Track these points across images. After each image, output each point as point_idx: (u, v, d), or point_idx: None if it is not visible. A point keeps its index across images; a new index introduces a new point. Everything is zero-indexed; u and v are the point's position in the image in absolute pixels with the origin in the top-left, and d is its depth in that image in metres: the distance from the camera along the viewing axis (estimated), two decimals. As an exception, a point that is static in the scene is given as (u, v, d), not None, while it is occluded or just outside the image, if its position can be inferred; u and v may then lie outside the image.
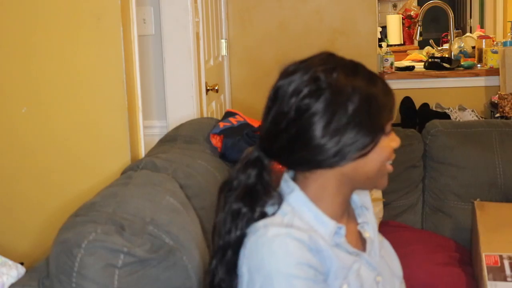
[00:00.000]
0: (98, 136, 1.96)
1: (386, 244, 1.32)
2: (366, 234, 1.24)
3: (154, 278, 1.29)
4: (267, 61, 3.73)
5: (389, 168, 1.18)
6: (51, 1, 1.91)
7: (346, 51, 4.17)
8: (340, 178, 1.14)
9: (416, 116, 3.82)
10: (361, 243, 1.23)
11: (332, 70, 1.11)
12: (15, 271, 1.47)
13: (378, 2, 4.06)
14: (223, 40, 3.70)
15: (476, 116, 3.74)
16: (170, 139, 2.05)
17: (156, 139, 2.16)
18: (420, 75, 3.99)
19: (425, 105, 3.86)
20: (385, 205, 2.16)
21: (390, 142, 1.16)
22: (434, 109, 3.86)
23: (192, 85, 2.65)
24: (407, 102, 3.92)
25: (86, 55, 1.93)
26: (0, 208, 1.99)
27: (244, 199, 1.15)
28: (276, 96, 1.14)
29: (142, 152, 2.07)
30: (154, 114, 2.66)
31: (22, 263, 1.55)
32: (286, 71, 1.16)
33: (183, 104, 2.63)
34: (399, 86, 3.97)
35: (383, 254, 1.27)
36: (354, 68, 1.13)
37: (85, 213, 1.37)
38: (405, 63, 4.44)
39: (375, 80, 1.13)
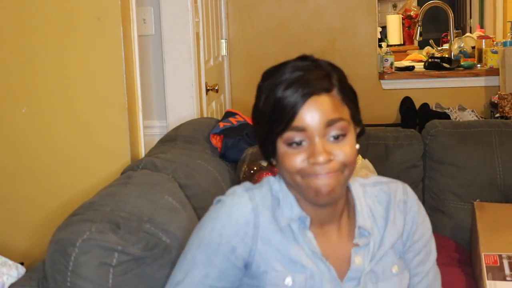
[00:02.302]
0: (98, 136, 1.96)
1: (392, 284, 1.20)
2: (356, 260, 1.17)
3: (149, 276, 1.30)
4: (267, 61, 3.70)
5: (309, 183, 1.09)
6: (51, 2, 1.91)
7: (346, 51, 4.20)
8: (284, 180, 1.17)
9: (416, 116, 3.82)
10: (347, 264, 1.17)
11: (269, 72, 1.17)
12: (15, 271, 1.47)
13: (378, 2, 4.06)
14: (223, 40, 3.70)
15: (476, 116, 3.74)
16: (170, 139, 2.05)
17: (156, 139, 2.17)
18: (420, 75, 3.99)
19: (425, 105, 3.86)
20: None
21: (296, 152, 1.09)
22: (434, 109, 3.86)
23: (192, 85, 2.65)
24: (407, 102, 3.92)
25: (86, 55, 1.93)
26: (0, 208, 1.99)
27: None
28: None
29: (142, 152, 2.07)
30: (154, 114, 2.66)
31: (22, 263, 1.55)
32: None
33: (183, 104, 2.63)
34: (399, 86, 3.97)
35: (377, 286, 1.18)
36: (275, 70, 1.15)
37: (82, 212, 1.38)
38: (405, 63, 4.44)
39: (285, 87, 1.10)
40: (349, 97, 1.16)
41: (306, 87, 1.09)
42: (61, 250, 1.27)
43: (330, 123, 1.08)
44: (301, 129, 1.08)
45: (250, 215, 1.13)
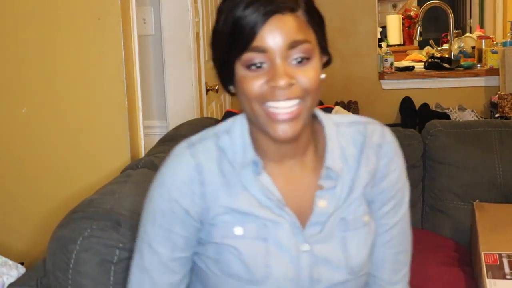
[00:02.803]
0: (98, 136, 1.96)
1: (363, 231, 1.12)
2: (320, 204, 1.08)
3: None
4: (267, 61, 3.72)
5: (270, 110, 1.00)
6: (51, 2, 1.91)
7: (346, 51, 4.20)
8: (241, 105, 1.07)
9: (416, 116, 3.83)
10: (309, 210, 1.09)
11: None
12: (15, 271, 1.47)
13: (378, 2, 4.06)
14: (223, 40, 3.70)
15: (476, 116, 3.74)
16: (170, 139, 2.05)
17: (156, 139, 2.17)
18: (420, 75, 3.99)
19: (425, 105, 3.86)
20: (385, 205, 2.16)
21: (255, 76, 1.00)
22: (434, 109, 3.87)
23: (192, 85, 2.65)
24: (407, 102, 3.92)
25: (86, 55, 1.93)
26: (1, 207, 2.00)
27: None
28: None
29: (142, 152, 2.07)
30: (154, 114, 2.66)
31: (22, 263, 1.56)
32: None
33: (183, 104, 2.63)
34: (399, 86, 3.98)
35: (346, 236, 1.09)
36: None
37: (82, 209, 1.38)
38: (405, 63, 4.44)
39: (246, 6, 1.00)
40: (316, 20, 1.07)
41: (268, 4, 0.99)
42: (62, 247, 1.27)
43: (293, 45, 0.99)
44: (262, 50, 0.99)
45: (194, 172, 1.06)
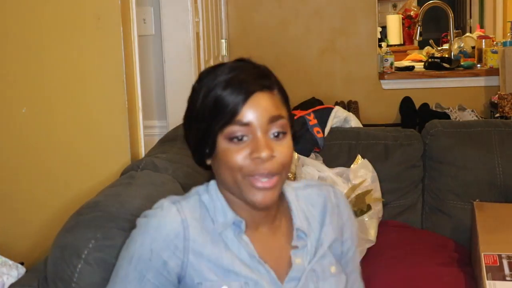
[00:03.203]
0: (98, 136, 1.96)
1: (331, 283, 1.21)
2: (297, 261, 1.17)
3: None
4: (267, 61, 3.71)
5: (253, 182, 1.09)
6: (51, 1, 1.91)
7: (346, 51, 4.20)
8: (216, 174, 1.15)
9: (416, 116, 3.83)
10: (287, 265, 1.17)
11: (204, 70, 1.18)
12: (15, 271, 1.47)
13: (378, 2, 4.06)
14: (223, 40, 3.70)
15: (476, 116, 3.74)
16: (170, 139, 2.05)
17: (156, 139, 2.17)
18: (420, 75, 3.99)
19: (425, 105, 3.86)
20: (385, 205, 2.16)
21: (237, 149, 1.08)
22: (434, 109, 3.86)
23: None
24: (407, 102, 3.92)
25: (86, 55, 1.93)
26: (0, 208, 1.99)
27: None
28: None
29: (142, 152, 2.07)
30: (154, 114, 2.66)
31: (22, 263, 1.56)
32: None
33: (183, 104, 2.62)
34: (399, 86, 3.98)
35: (317, 286, 1.18)
36: (217, 69, 1.16)
37: (88, 212, 1.37)
38: (405, 63, 4.44)
39: (226, 85, 1.11)
40: (286, 100, 1.17)
41: (249, 84, 1.10)
42: (66, 258, 1.27)
43: (272, 120, 1.09)
44: (245, 124, 1.08)
45: (179, 227, 1.11)
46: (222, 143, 1.09)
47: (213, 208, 1.15)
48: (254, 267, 1.13)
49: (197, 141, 1.14)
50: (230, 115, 1.08)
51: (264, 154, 1.07)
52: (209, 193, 1.17)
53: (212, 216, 1.14)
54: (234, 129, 1.08)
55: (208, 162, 1.15)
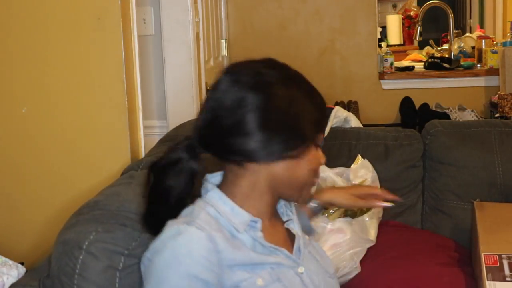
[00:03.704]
0: (98, 136, 1.96)
1: (316, 244, 1.37)
2: (294, 231, 1.28)
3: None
4: (267, 61, 3.72)
5: (316, 181, 1.24)
6: (51, 1, 1.91)
7: (346, 51, 4.19)
8: (270, 178, 1.18)
9: (416, 116, 3.83)
10: (289, 241, 1.27)
11: (275, 67, 1.19)
12: (15, 271, 1.47)
13: (378, 2, 4.06)
14: (223, 40, 3.70)
15: (476, 116, 3.74)
16: (170, 139, 2.05)
17: (156, 139, 2.17)
18: (420, 75, 3.99)
19: (425, 105, 3.86)
20: (385, 205, 2.16)
21: (318, 155, 1.22)
22: (434, 109, 3.86)
23: (192, 85, 2.65)
24: (407, 102, 3.92)
25: (86, 55, 1.93)
26: (0, 208, 1.99)
27: (177, 177, 1.19)
28: (217, 86, 1.17)
29: (142, 152, 2.07)
30: (154, 114, 2.66)
31: (22, 263, 1.56)
32: (231, 67, 1.20)
33: (183, 104, 2.63)
34: (399, 86, 3.98)
35: (311, 250, 1.31)
36: (298, 76, 1.21)
37: (88, 211, 1.38)
38: (405, 63, 4.44)
39: (315, 94, 1.20)
40: None
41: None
42: (68, 252, 1.27)
43: None
44: (323, 138, 1.22)
45: (209, 244, 1.11)
46: (312, 148, 1.19)
47: (223, 214, 1.17)
48: (271, 253, 1.20)
49: (290, 147, 1.16)
50: (324, 123, 1.23)
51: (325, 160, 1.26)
52: (210, 204, 1.18)
53: (225, 223, 1.17)
54: (321, 136, 1.22)
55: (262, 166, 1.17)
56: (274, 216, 1.27)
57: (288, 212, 1.32)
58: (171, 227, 1.12)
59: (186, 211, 1.18)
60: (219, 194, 1.19)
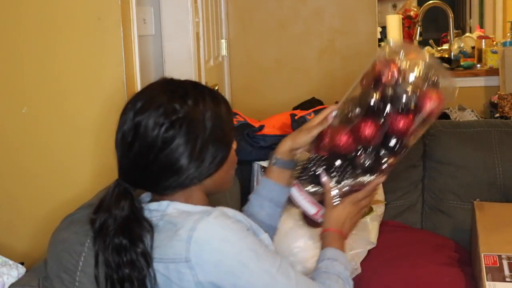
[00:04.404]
0: (98, 136, 1.96)
1: None
2: None
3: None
4: (267, 61, 3.72)
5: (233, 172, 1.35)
6: (51, 1, 1.91)
7: (346, 51, 4.18)
8: (203, 189, 1.28)
9: (416, 116, 3.82)
10: None
11: (184, 98, 1.22)
12: (15, 271, 1.47)
13: (378, 2, 4.05)
14: (223, 40, 3.70)
15: (476, 116, 3.74)
16: (170, 139, 2.05)
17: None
18: (420, 75, 3.98)
19: (425, 105, 3.85)
20: (385, 205, 2.16)
21: (233, 148, 1.32)
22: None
23: (192, 85, 2.64)
24: (407, 102, 3.91)
25: (86, 55, 1.93)
26: (0, 208, 1.99)
27: (124, 232, 1.20)
28: (137, 131, 1.23)
29: (142, 152, 2.07)
30: (154, 114, 2.65)
31: (22, 263, 1.56)
32: (138, 106, 1.25)
33: (183, 104, 2.62)
34: (399, 86, 3.97)
35: None
36: (201, 92, 1.26)
37: (81, 212, 1.38)
38: (405, 63, 4.43)
39: (218, 98, 1.29)
40: None
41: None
42: (69, 249, 1.27)
43: None
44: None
45: (228, 213, 1.24)
46: (232, 151, 1.32)
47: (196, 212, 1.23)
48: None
49: (221, 158, 1.26)
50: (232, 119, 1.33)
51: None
52: (180, 209, 1.24)
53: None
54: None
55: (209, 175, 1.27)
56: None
57: None
58: (200, 227, 1.16)
59: (178, 223, 1.19)
60: (180, 204, 1.24)
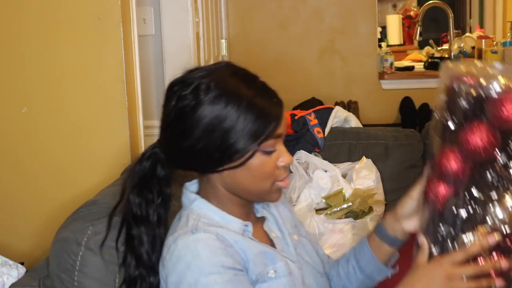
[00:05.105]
0: (98, 136, 1.96)
1: (305, 242, 1.31)
2: (273, 234, 1.25)
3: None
4: (267, 61, 3.73)
5: (281, 185, 1.17)
6: (52, 2, 1.91)
7: (346, 51, 4.18)
8: (223, 183, 1.17)
9: (416, 116, 3.83)
10: (270, 242, 1.24)
11: (213, 82, 1.15)
12: (15, 271, 1.47)
13: (378, 2, 4.06)
14: (223, 40, 3.70)
15: (476, 116, 3.74)
16: (170, 139, 2.05)
17: (156, 139, 2.16)
18: (420, 75, 3.99)
19: (425, 105, 3.86)
20: (385, 205, 2.16)
21: (270, 160, 1.14)
22: (434, 109, 3.86)
23: (192, 85, 2.65)
24: (407, 102, 3.92)
25: (86, 55, 1.93)
26: (0, 208, 1.99)
27: (140, 192, 1.19)
28: (167, 95, 1.24)
29: (142, 152, 2.07)
30: (154, 114, 2.66)
31: (22, 263, 1.56)
32: (185, 74, 1.24)
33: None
34: (399, 86, 3.98)
35: (299, 252, 1.26)
36: (237, 86, 1.15)
37: (84, 210, 1.38)
38: (405, 63, 4.44)
39: (256, 104, 1.12)
40: None
41: (276, 95, 1.15)
42: (67, 249, 1.27)
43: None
44: (280, 136, 1.14)
45: (220, 242, 1.12)
46: (257, 156, 1.13)
47: (216, 224, 1.16)
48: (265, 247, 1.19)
49: (222, 154, 1.13)
50: (271, 129, 1.12)
51: (291, 161, 1.17)
52: (201, 215, 1.17)
53: (222, 225, 1.17)
54: (272, 143, 1.13)
55: (219, 171, 1.15)
56: (254, 216, 1.26)
57: (263, 210, 1.29)
58: (180, 240, 1.12)
59: (180, 224, 1.17)
60: (206, 204, 1.19)
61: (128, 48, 1.98)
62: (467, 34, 5.04)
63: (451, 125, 1.06)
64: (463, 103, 1.06)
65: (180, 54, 2.61)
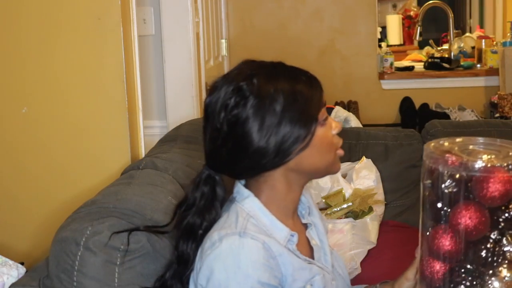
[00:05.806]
0: (99, 136, 1.96)
1: (335, 253, 1.33)
2: (313, 242, 1.26)
3: (153, 273, 1.30)
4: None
5: (340, 153, 1.22)
6: (52, 2, 1.91)
7: (346, 51, 4.19)
8: (288, 174, 1.17)
9: (416, 116, 3.83)
10: (309, 249, 1.25)
11: (252, 77, 1.15)
12: (15, 271, 1.47)
13: (378, 2, 4.06)
14: (223, 40, 3.70)
15: (476, 116, 3.74)
16: (170, 139, 2.05)
17: (156, 139, 2.17)
18: (420, 75, 3.99)
19: (425, 105, 3.86)
20: (385, 205, 2.16)
21: (327, 130, 1.18)
22: (434, 109, 3.87)
23: (192, 85, 2.65)
24: (407, 102, 3.92)
25: (86, 55, 1.93)
26: (0, 208, 1.99)
27: (201, 215, 1.19)
28: (207, 114, 1.18)
29: (142, 152, 2.07)
30: (154, 114, 2.66)
31: (22, 263, 1.56)
32: (212, 88, 1.19)
33: (183, 104, 2.63)
34: (399, 86, 3.98)
35: (333, 263, 1.28)
36: (273, 70, 1.19)
37: (84, 210, 1.38)
38: (404, 63, 4.44)
39: (297, 76, 1.18)
40: None
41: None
42: (66, 249, 1.27)
43: None
44: (325, 104, 1.19)
45: (265, 251, 1.11)
46: (318, 129, 1.16)
47: (264, 227, 1.16)
48: (308, 264, 1.20)
49: (294, 140, 1.14)
50: (321, 96, 1.18)
51: (341, 128, 1.22)
52: (251, 215, 1.17)
53: (272, 232, 1.17)
54: (324, 111, 1.18)
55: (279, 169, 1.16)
56: (295, 217, 1.26)
57: (312, 212, 1.30)
58: (226, 241, 1.11)
59: (228, 221, 1.16)
60: (258, 204, 1.18)
61: (128, 48, 1.98)
62: (467, 34, 5.05)
63: (440, 206, 1.07)
64: (449, 185, 1.08)
65: (180, 54, 2.61)
